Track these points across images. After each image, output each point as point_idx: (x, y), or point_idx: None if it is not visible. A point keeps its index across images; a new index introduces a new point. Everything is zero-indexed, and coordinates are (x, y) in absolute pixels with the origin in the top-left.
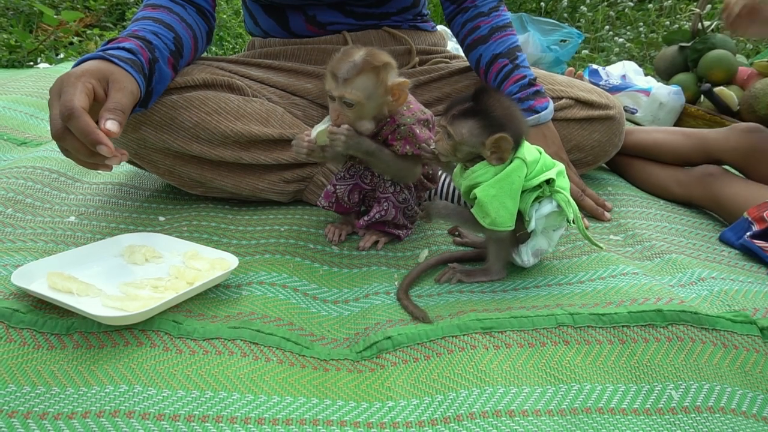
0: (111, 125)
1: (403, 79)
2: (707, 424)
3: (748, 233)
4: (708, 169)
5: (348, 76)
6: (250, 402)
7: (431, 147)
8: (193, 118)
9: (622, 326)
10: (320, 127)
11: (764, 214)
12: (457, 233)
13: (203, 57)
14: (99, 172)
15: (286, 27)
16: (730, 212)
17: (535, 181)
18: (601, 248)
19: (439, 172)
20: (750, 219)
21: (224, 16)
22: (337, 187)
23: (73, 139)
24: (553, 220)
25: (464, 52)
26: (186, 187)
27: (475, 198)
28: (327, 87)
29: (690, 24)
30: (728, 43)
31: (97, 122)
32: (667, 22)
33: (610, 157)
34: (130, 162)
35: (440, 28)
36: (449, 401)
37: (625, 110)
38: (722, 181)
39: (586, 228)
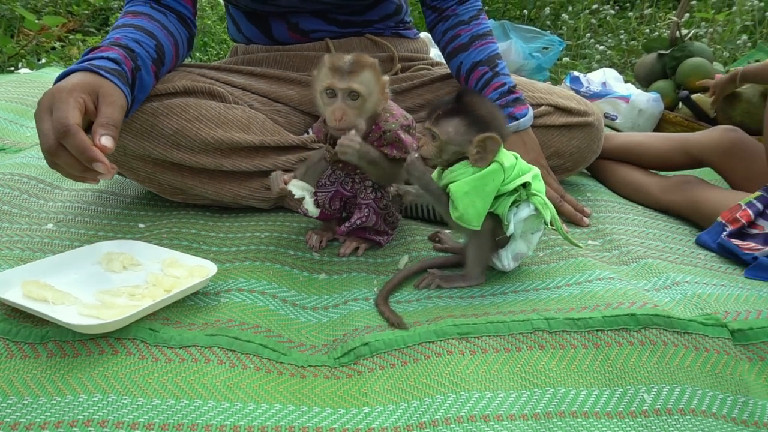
0: (106, 141)
1: (387, 77)
2: (678, 426)
3: (724, 233)
4: (686, 178)
5: (353, 69)
6: (225, 410)
7: (415, 152)
8: (173, 125)
9: (597, 330)
10: (299, 192)
11: (737, 215)
12: (437, 239)
13: (185, 64)
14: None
15: (268, 34)
16: (706, 216)
17: (512, 185)
18: (580, 247)
19: None
20: (724, 222)
21: (209, 21)
22: (318, 194)
23: (68, 155)
24: (531, 223)
25: (445, 59)
26: (166, 194)
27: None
28: (327, 83)
29: (668, 32)
30: (705, 51)
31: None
32: (647, 30)
33: (589, 163)
34: None
35: (423, 35)
36: (425, 407)
37: (606, 117)
38: (699, 187)
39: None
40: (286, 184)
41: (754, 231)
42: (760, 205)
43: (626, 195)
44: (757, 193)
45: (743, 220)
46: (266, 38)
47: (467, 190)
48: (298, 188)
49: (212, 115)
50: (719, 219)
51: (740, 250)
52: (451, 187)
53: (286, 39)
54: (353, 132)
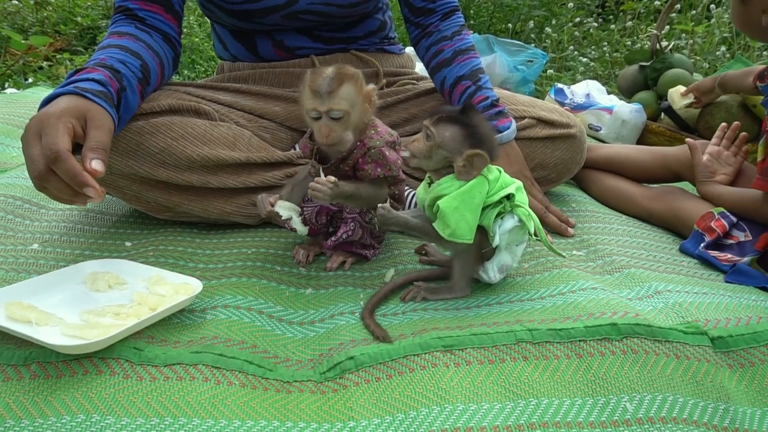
0: (96, 165)
1: (372, 86)
2: None
3: (702, 244)
4: (670, 188)
5: (331, 89)
6: (210, 427)
7: (406, 154)
8: (159, 143)
9: (579, 341)
10: (286, 213)
11: (711, 224)
12: (423, 252)
13: (171, 82)
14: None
15: (254, 52)
16: (686, 223)
17: (496, 197)
18: (563, 256)
19: (406, 193)
20: (700, 230)
21: (196, 39)
22: (305, 209)
23: (57, 180)
24: (515, 234)
25: (429, 74)
26: (153, 212)
27: (438, 210)
28: (310, 106)
29: (650, 44)
30: (685, 62)
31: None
32: (629, 42)
33: (573, 174)
34: None
35: (409, 50)
36: (410, 420)
37: (590, 128)
38: (681, 196)
39: (551, 243)
40: (272, 205)
41: (730, 241)
42: (734, 218)
43: (611, 202)
44: None
45: (719, 231)
46: (252, 56)
47: (456, 205)
48: (284, 209)
49: (198, 132)
50: (695, 227)
51: (719, 261)
52: (441, 203)
53: (272, 56)
54: (332, 178)
